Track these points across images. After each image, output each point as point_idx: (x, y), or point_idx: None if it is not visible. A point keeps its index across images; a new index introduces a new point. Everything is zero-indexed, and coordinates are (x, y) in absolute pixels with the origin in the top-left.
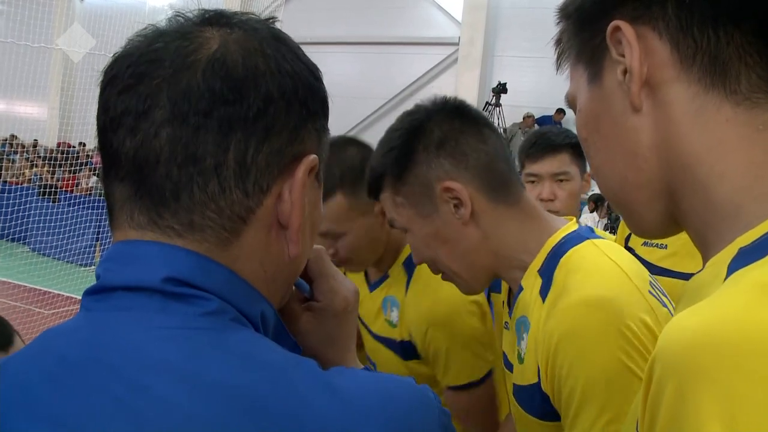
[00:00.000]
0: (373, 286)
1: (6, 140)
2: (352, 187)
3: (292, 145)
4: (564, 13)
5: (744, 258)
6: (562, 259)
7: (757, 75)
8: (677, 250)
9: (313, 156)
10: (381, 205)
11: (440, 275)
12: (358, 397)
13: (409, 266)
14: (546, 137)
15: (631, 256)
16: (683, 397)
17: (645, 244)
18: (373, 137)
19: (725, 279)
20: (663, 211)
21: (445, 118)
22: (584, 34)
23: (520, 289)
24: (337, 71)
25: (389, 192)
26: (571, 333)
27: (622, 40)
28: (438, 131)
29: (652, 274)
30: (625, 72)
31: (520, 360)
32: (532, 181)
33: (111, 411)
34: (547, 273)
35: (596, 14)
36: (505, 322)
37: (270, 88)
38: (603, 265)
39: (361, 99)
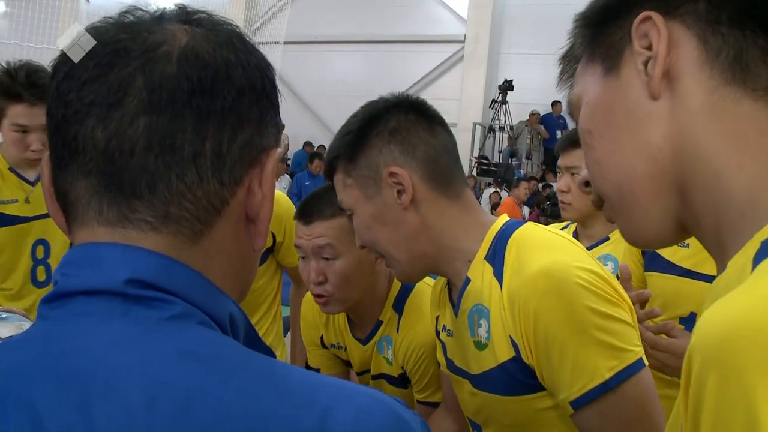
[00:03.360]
0: (366, 340)
1: None
2: None
3: (260, 138)
4: (583, 18)
5: None
6: (509, 241)
7: None
8: (701, 249)
9: (279, 150)
10: None
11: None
12: (333, 409)
13: (398, 306)
14: (571, 134)
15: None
16: (728, 387)
17: None
18: None
19: (752, 271)
20: (670, 208)
21: (401, 111)
22: (604, 32)
23: (467, 281)
24: (342, 70)
25: (341, 173)
26: (542, 299)
27: (650, 30)
28: (393, 121)
29: (674, 275)
30: (646, 63)
31: (480, 346)
32: (560, 174)
33: (68, 424)
34: (496, 257)
35: (621, 9)
36: (445, 327)
37: (242, 81)
38: (549, 237)
39: (367, 97)
